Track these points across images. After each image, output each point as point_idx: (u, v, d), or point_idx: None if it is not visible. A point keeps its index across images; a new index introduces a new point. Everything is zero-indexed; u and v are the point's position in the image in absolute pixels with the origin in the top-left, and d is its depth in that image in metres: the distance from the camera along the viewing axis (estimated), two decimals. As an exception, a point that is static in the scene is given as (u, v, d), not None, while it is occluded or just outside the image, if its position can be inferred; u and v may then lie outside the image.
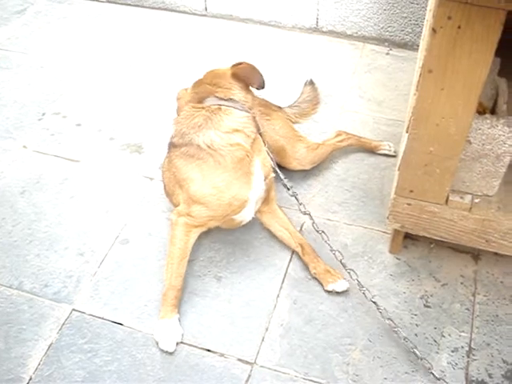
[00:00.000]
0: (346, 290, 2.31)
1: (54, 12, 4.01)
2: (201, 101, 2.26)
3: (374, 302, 2.16)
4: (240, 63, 2.33)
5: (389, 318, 2.12)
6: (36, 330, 2.24)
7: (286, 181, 2.34)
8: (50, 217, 2.65)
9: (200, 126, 2.19)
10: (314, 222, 2.32)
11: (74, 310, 2.30)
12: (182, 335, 2.20)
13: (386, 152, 2.88)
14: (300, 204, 2.33)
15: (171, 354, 2.15)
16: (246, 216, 2.32)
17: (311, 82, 3.14)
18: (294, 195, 2.34)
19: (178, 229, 2.23)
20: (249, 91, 2.31)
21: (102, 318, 2.27)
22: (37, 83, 3.42)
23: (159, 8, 3.95)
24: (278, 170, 2.35)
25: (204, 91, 2.27)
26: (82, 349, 2.18)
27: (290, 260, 2.44)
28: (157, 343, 2.17)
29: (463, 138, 1.96)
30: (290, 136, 2.69)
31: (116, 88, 3.37)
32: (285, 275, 2.39)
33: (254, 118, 2.28)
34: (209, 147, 2.16)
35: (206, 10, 3.84)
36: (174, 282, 2.22)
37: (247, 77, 2.28)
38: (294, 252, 2.46)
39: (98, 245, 2.53)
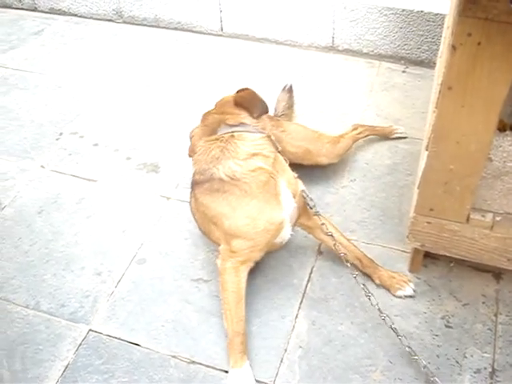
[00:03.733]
0: (414, 293, 2.32)
1: (70, 33, 4.06)
2: (213, 132, 2.25)
3: (394, 330, 2.11)
4: (242, 90, 2.35)
5: (408, 346, 2.07)
6: (53, 350, 2.23)
7: (309, 199, 2.29)
8: (67, 236, 2.65)
9: (218, 158, 2.17)
10: (335, 243, 2.28)
11: (90, 330, 2.29)
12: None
13: (399, 135, 3.06)
14: (322, 224, 2.30)
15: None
16: (284, 236, 2.28)
17: (289, 90, 3.18)
18: (317, 214, 2.30)
19: (227, 272, 2.17)
20: None
21: (119, 339, 2.25)
22: (54, 103, 3.44)
23: (175, 28, 3.98)
24: (303, 187, 2.32)
25: (214, 122, 2.28)
26: (99, 370, 2.16)
27: (309, 280, 2.41)
28: None
29: (484, 156, 1.93)
30: (310, 137, 2.73)
31: (132, 108, 3.38)
32: (303, 295, 2.37)
33: (270, 137, 2.27)
34: (231, 178, 2.13)
35: (221, 30, 3.86)
36: (237, 327, 2.14)
37: (246, 106, 2.28)
38: (312, 272, 2.44)
39: (115, 264, 2.52)
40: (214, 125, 2.27)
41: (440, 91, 1.85)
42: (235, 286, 2.17)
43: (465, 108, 1.81)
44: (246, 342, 2.17)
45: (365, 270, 2.37)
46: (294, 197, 2.26)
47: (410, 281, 2.34)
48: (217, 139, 2.22)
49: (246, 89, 2.36)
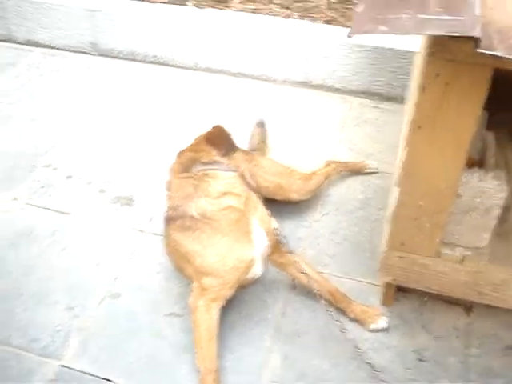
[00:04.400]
0: (387, 326, 2.34)
1: (46, 65, 4.05)
2: (187, 169, 2.27)
3: (371, 365, 2.15)
4: (214, 127, 2.36)
5: (383, 381, 2.11)
6: (23, 386, 2.20)
7: (282, 237, 2.33)
8: (40, 270, 2.63)
9: (190, 195, 2.19)
10: (309, 280, 2.31)
11: (61, 365, 2.26)
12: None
13: (371, 170, 3.09)
14: (295, 262, 2.33)
15: None
16: (256, 273, 2.30)
17: (262, 124, 3.19)
18: (290, 252, 2.33)
19: (198, 310, 2.18)
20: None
21: (91, 375, 2.23)
22: (28, 135, 3.43)
23: (150, 62, 4.01)
24: (277, 225, 2.34)
25: (188, 159, 2.29)
26: (70, 406, 2.14)
27: (282, 314, 2.42)
28: None
29: (453, 192, 1.98)
30: (282, 171, 2.75)
31: (107, 140, 3.39)
32: (276, 330, 2.37)
33: (243, 175, 2.29)
34: (203, 216, 2.15)
35: (196, 64, 3.90)
36: (209, 365, 2.14)
37: (214, 143, 2.29)
38: (285, 306, 2.45)
39: (88, 299, 2.50)
40: (188, 163, 2.28)
41: (410, 129, 1.89)
42: (207, 324, 2.18)
43: (434, 146, 1.86)
44: (219, 379, 2.16)
45: (338, 305, 2.38)
46: (268, 235, 2.28)
47: (382, 314, 2.36)
48: (190, 177, 2.24)
49: (217, 126, 2.38)
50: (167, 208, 2.30)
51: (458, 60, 1.67)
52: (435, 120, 1.81)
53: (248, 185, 2.28)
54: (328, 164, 2.98)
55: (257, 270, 2.28)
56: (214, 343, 2.17)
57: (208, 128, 2.39)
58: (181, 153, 2.37)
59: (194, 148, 2.32)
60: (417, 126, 1.83)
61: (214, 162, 2.25)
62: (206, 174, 2.22)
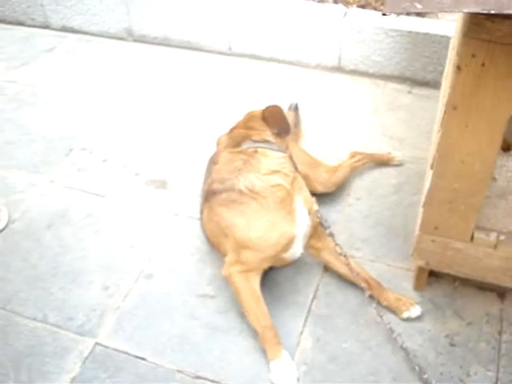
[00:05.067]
0: (421, 315, 2.32)
1: (82, 50, 4.11)
2: (237, 145, 2.32)
3: (405, 349, 2.14)
4: (271, 105, 2.39)
5: (418, 366, 2.11)
6: (59, 363, 2.25)
7: (323, 220, 2.34)
8: (75, 251, 2.68)
9: (240, 169, 2.24)
10: (349, 264, 2.31)
11: (97, 343, 2.31)
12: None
13: (397, 163, 3.03)
14: (336, 245, 2.33)
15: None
16: (295, 252, 2.32)
17: (296, 108, 3.17)
18: (332, 235, 2.34)
19: (235, 280, 2.23)
20: None
21: (125, 353, 2.27)
22: (64, 119, 3.49)
23: (184, 47, 4.03)
24: (317, 207, 2.36)
25: (239, 135, 2.35)
26: (105, 383, 2.18)
27: (314, 297, 2.43)
28: None
29: (488, 175, 1.96)
30: (310, 162, 2.75)
31: (141, 125, 3.43)
32: (308, 312, 2.38)
33: (291, 157, 2.33)
34: (251, 191, 2.19)
35: (230, 49, 3.91)
36: (264, 322, 2.20)
37: (270, 121, 2.34)
38: (317, 289, 2.46)
39: (123, 279, 2.54)
40: (238, 139, 2.34)
41: (445, 111, 1.88)
42: (248, 290, 2.22)
43: (469, 128, 1.84)
44: (278, 334, 2.21)
45: (372, 292, 2.34)
46: (309, 215, 2.31)
47: (416, 303, 2.34)
48: (240, 152, 2.29)
49: (275, 105, 2.41)
50: (211, 181, 2.34)
51: (494, 40, 1.65)
52: (471, 101, 1.79)
53: (295, 166, 2.32)
54: (353, 155, 2.95)
55: (297, 250, 2.31)
56: (261, 303, 2.22)
57: (261, 107, 2.42)
58: (232, 128, 2.41)
59: (245, 125, 2.37)
60: (452, 107, 1.82)
61: (265, 141, 2.29)
62: (256, 152, 2.26)
